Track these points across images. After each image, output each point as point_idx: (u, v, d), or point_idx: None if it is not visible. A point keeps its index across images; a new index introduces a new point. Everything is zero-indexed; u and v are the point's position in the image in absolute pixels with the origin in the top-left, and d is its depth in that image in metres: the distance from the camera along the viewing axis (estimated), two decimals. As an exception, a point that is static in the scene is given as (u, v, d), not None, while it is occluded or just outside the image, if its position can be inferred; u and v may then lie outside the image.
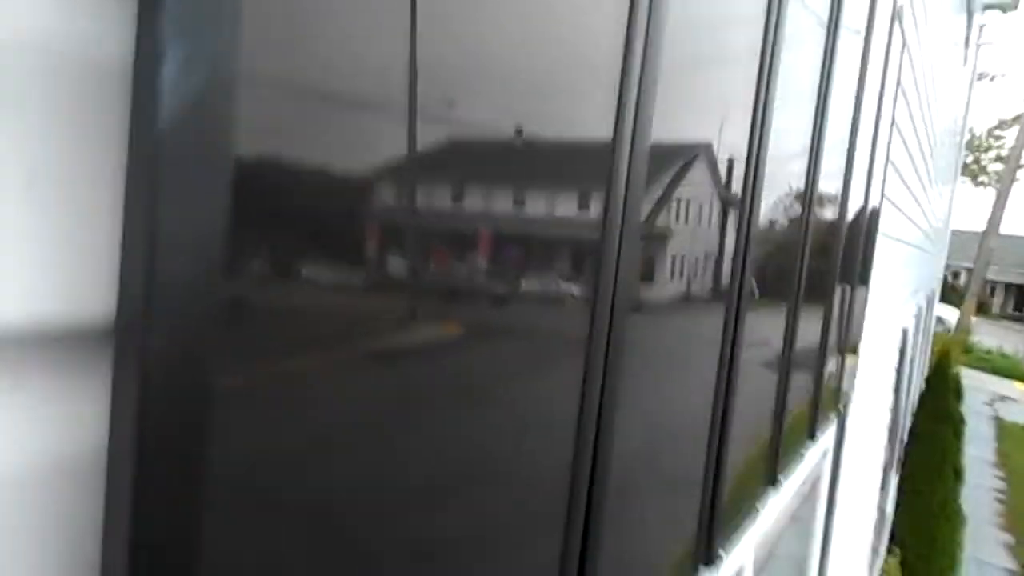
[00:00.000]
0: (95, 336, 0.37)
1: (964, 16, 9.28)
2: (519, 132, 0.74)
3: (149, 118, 0.35)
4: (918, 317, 8.29)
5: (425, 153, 0.59)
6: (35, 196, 0.34)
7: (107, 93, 0.36)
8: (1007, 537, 9.66)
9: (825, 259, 2.23)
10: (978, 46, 13.46)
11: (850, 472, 3.63)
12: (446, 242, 0.64)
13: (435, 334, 0.64)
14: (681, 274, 1.22)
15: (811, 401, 2.19)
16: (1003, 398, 16.42)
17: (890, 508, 7.60)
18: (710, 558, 1.35)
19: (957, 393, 8.70)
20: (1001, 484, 11.51)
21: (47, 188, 0.35)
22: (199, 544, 0.41)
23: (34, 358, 0.36)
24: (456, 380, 0.67)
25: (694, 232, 1.23)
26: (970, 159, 29.49)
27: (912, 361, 8.33)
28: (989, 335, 23.25)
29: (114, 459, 0.37)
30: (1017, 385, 16.96)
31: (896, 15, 2.65)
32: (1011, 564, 8.96)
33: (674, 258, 1.18)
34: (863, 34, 2.23)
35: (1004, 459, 12.73)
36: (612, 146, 0.82)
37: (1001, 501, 10.85)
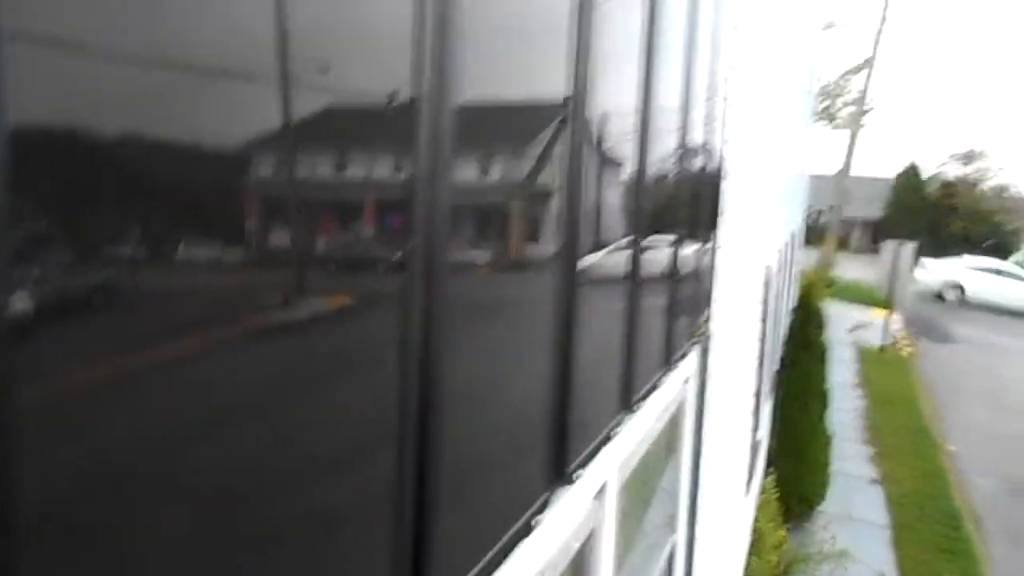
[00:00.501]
0: None
1: (807, -32, 9.79)
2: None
3: None
4: (782, 254, 8.85)
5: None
6: None
7: None
8: (868, 450, 10.60)
9: (668, 203, 2.39)
10: (823, -4, 14.24)
11: (718, 398, 3.91)
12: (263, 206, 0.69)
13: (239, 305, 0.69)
14: (522, 229, 1.31)
15: (664, 333, 2.37)
16: (863, 325, 17.79)
17: (765, 432, 8.17)
18: (565, 477, 1.47)
19: (819, 324, 9.38)
20: (863, 403, 12.56)
21: None
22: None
23: None
24: (307, 348, 0.73)
25: (531, 186, 1.33)
26: (826, 104, 31.27)
27: (779, 295, 8.91)
28: (850, 269, 24.99)
29: None
30: (873, 312, 18.40)
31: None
32: (873, 474, 9.85)
33: (516, 213, 1.27)
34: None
35: (864, 381, 13.86)
36: (417, 104, 0.88)
37: (863, 418, 11.86)
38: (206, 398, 0.62)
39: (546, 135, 1.38)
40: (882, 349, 16.04)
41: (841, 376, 12.89)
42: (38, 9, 0.45)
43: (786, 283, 10.15)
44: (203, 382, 0.61)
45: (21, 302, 0.45)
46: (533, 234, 1.39)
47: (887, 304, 16.32)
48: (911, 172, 34.23)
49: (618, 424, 1.87)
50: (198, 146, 0.59)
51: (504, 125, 1.24)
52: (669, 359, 2.42)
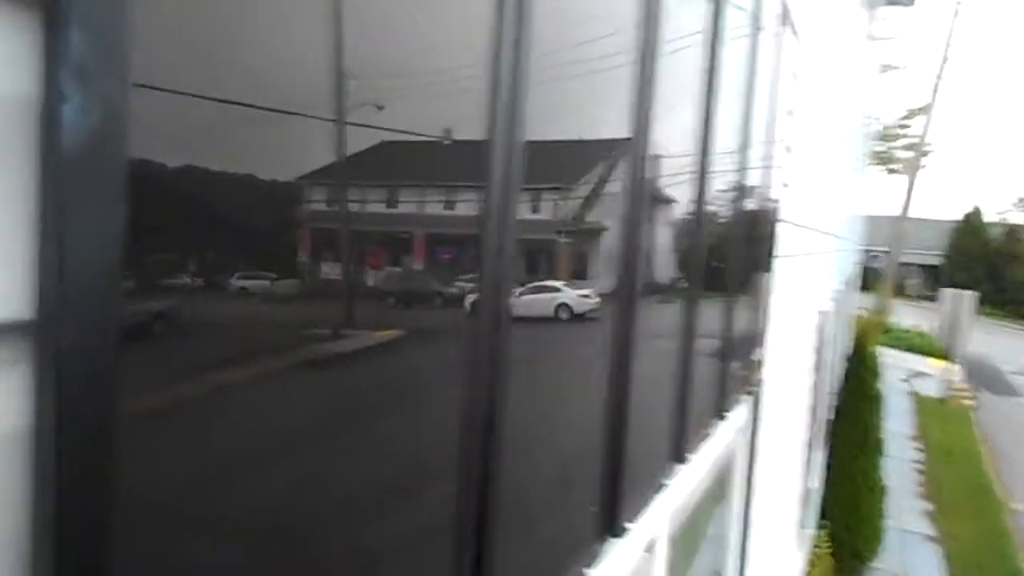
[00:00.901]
0: (17, 331, 0.44)
1: (865, 12, 9.74)
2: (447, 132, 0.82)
3: (54, 149, 0.43)
4: (837, 300, 8.67)
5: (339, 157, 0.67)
6: None
7: (17, 126, 0.43)
8: (926, 505, 10.20)
9: (722, 249, 2.39)
10: (881, 40, 14.11)
11: (769, 448, 3.83)
12: (368, 245, 0.72)
13: (352, 340, 0.72)
14: (575, 267, 1.33)
15: (717, 383, 2.34)
16: (920, 374, 17.23)
17: (817, 484, 7.94)
18: (616, 529, 1.47)
19: (875, 371, 9.13)
20: (920, 456, 12.11)
21: None
22: (114, 520, 0.49)
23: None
24: (361, 385, 0.75)
25: (586, 227, 1.34)
26: (882, 148, 30.75)
27: (833, 341, 8.71)
28: (907, 315, 24.31)
29: (39, 434, 0.45)
30: (932, 361, 17.83)
31: (785, 14, 2.83)
32: (930, 530, 9.46)
33: (569, 251, 1.29)
34: (750, 35, 2.39)
35: (922, 432, 13.39)
36: (489, 144, 0.90)
37: (920, 471, 11.43)
38: (267, 428, 0.63)
39: (606, 174, 1.40)
40: (941, 400, 15.50)
41: (897, 426, 12.47)
42: (147, 62, 0.49)
43: (840, 329, 9.93)
44: (268, 411, 0.63)
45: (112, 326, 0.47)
46: (588, 275, 1.40)
47: (946, 353, 15.80)
48: (973, 216, 33.31)
49: (669, 475, 1.85)
50: (286, 183, 0.63)
51: (565, 164, 1.26)
52: (721, 409, 2.40)
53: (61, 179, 0.43)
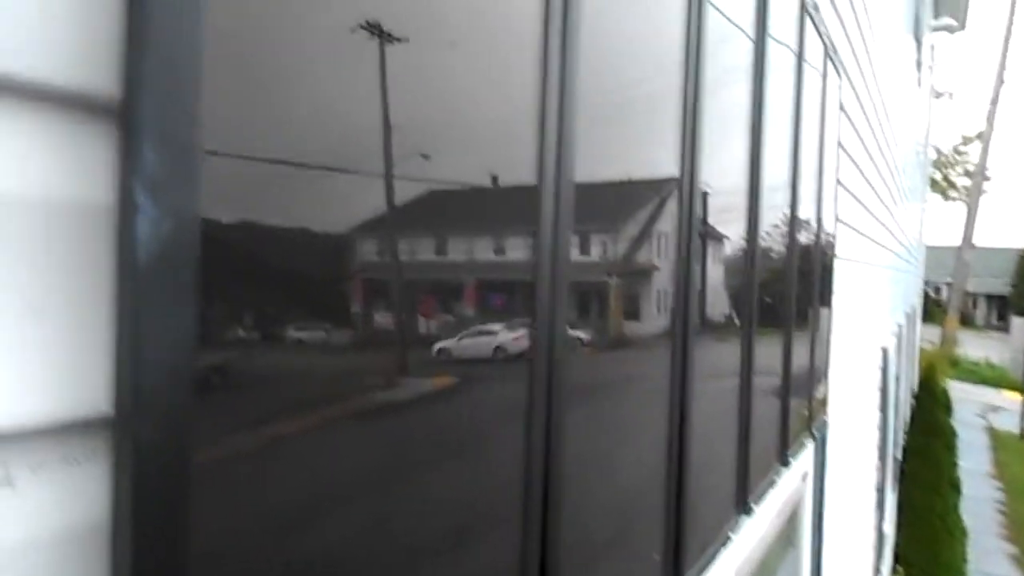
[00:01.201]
0: (98, 426, 0.46)
1: (912, 40, 9.60)
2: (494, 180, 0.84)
3: (130, 256, 0.45)
4: (899, 335, 8.39)
5: (400, 208, 0.68)
6: (44, 318, 0.45)
7: (96, 234, 0.46)
8: (1011, 548, 9.64)
9: (778, 286, 2.32)
10: (931, 67, 13.89)
11: (838, 494, 3.67)
12: (422, 294, 0.72)
13: (414, 387, 0.72)
14: (628, 308, 1.29)
15: (779, 427, 2.25)
16: (994, 408, 16.50)
17: (890, 527, 7.59)
18: (681, 585, 1.39)
19: (946, 407, 8.77)
20: (1000, 495, 11.51)
21: (53, 310, 0.45)
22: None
23: (48, 447, 0.45)
24: (426, 431, 0.75)
25: (638, 268, 1.31)
26: (939, 176, 30.05)
27: (898, 379, 8.41)
28: (975, 347, 23.41)
29: (117, 526, 0.46)
30: (1007, 394, 17.06)
31: (828, 51, 2.78)
32: (1016, 574, 8.92)
33: (621, 293, 1.26)
34: (794, 68, 2.35)
35: (1001, 469, 12.75)
36: (538, 188, 0.89)
37: (1001, 512, 10.84)
38: (328, 482, 0.62)
39: (655, 213, 1.37)
40: (1021, 436, 14.77)
41: (973, 464, 11.90)
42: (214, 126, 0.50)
43: (905, 363, 9.59)
44: (329, 464, 0.62)
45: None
46: (641, 316, 1.36)
47: (1021, 386, 15.10)
48: (1041, 242, 32.16)
49: (734, 527, 1.77)
50: (338, 236, 0.64)
51: (615, 204, 1.24)
52: (786, 455, 2.30)
53: (135, 284, 0.46)
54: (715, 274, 1.74)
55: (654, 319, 1.38)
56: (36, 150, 0.44)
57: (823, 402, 3.11)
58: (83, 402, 0.46)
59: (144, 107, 0.45)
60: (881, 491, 6.40)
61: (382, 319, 0.71)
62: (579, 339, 1.09)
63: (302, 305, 0.61)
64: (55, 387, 0.45)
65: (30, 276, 0.44)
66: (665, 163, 1.36)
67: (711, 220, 1.63)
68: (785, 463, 2.31)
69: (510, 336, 0.89)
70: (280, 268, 0.58)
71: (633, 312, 1.34)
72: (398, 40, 0.67)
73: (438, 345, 0.78)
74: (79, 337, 0.46)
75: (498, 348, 0.89)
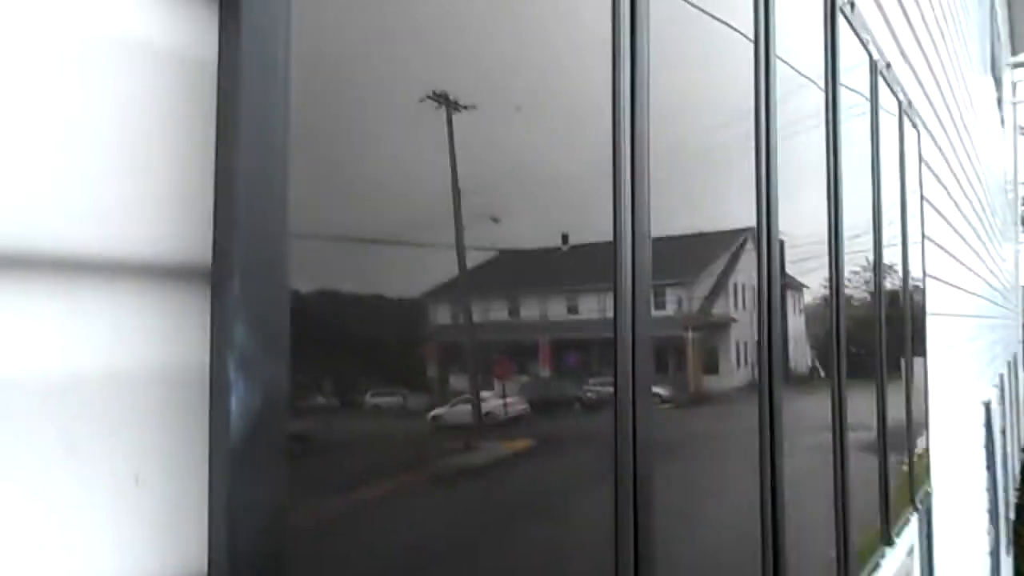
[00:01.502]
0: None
1: (990, 79, 9.29)
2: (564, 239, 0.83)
3: (220, 429, 0.47)
4: (1000, 386, 7.88)
5: (472, 271, 0.69)
6: (145, 487, 0.48)
7: (188, 407, 0.50)
8: None
9: (864, 347, 2.20)
10: (1014, 104, 13.39)
11: (948, 566, 3.41)
12: (502, 355, 0.73)
13: (493, 448, 0.72)
14: (709, 362, 1.24)
15: (879, 504, 2.11)
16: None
17: (1009, 597, 7.01)
18: None
19: (1061, 461, 8.13)
20: None
21: (152, 479, 0.48)
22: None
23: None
24: (514, 492, 0.74)
25: (721, 322, 1.27)
26: (1030, 213, 28.65)
27: (1003, 432, 7.86)
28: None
29: None
30: None
31: (903, 108, 2.70)
32: None
33: (698, 347, 1.21)
34: (870, 123, 2.28)
35: None
36: (614, 245, 0.88)
37: None
38: (409, 548, 0.61)
39: (732, 264, 1.33)
40: None
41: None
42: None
43: (1011, 416, 8.98)
44: (409, 530, 0.61)
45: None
46: (724, 373, 1.31)
47: None
48: None
49: (838, 621, 1.64)
50: (411, 301, 0.64)
51: (689, 257, 1.21)
52: (890, 536, 2.14)
53: (227, 453, 0.47)
54: (795, 324, 1.65)
55: (738, 373, 1.33)
56: (136, 325, 0.47)
57: (926, 469, 2.92)
58: (182, 564, 0.48)
59: (233, 285, 0.47)
60: (995, 556, 5.93)
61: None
62: (660, 395, 1.05)
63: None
64: (155, 550, 0.47)
65: (130, 446, 0.46)
66: (740, 213, 1.33)
67: (789, 269, 1.57)
68: (889, 543, 2.16)
69: (589, 396, 0.88)
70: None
71: (711, 365, 1.29)
72: (466, 108, 0.68)
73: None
74: (176, 504, 0.48)
75: (579, 406, 0.87)
